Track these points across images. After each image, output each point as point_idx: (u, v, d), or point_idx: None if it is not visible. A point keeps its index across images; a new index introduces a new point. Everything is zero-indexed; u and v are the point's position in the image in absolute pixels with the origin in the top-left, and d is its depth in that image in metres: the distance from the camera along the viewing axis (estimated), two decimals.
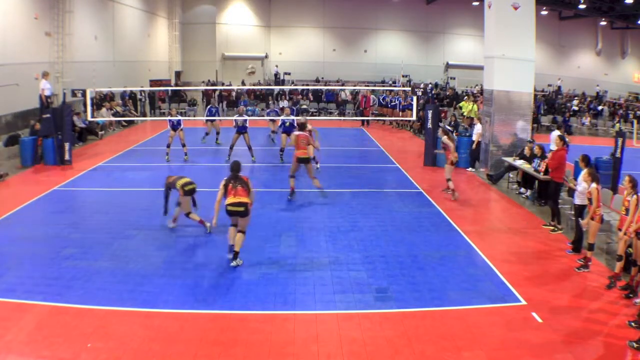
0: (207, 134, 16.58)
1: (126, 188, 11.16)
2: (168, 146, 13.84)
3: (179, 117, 14.02)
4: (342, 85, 29.62)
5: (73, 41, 18.79)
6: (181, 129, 13.80)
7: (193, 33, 32.50)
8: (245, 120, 13.84)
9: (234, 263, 7.01)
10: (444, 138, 11.08)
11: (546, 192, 10.14)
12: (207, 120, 16.20)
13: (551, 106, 25.42)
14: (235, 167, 7.03)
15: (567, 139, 9.40)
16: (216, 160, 14.02)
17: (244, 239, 7.03)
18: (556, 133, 12.31)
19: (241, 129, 13.72)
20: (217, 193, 7.01)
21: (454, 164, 11.04)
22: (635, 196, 6.58)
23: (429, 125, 14.12)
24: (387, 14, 34.35)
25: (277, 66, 32.58)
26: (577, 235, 7.97)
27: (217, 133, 16.47)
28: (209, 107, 16.67)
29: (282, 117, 14.64)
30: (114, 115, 18.96)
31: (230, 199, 6.75)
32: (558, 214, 9.04)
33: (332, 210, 9.81)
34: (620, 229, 6.80)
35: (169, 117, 14.18)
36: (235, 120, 13.90)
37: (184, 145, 13.86)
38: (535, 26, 13.10)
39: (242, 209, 6.75)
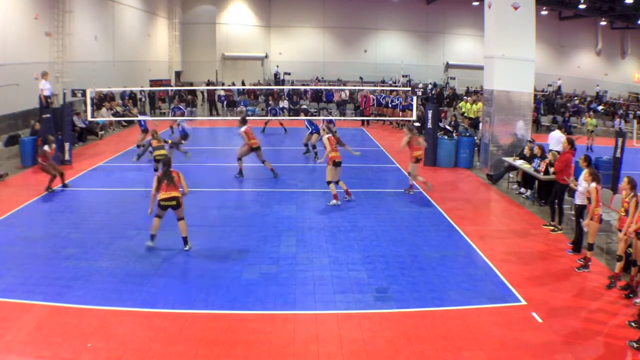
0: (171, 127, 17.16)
1: (126, 188, 11.16)
2: (142, 146, 13.76)
3: (139, 117, 14.05)
4: (344, 85, 29.62)
5: (73, 41, 18.79)
6: (146, 130, 13.88)
7: (193, 33, 32.49)
8: None
9: (186, 247, 7.60)
10: (406, 138, 10.93)
11: (547, 192, 10.14)
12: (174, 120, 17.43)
13: (551, 106, 25.40)
14: (167, 161, 7.69)
15: (574, 141, 9.36)
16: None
17: (185, 224, 7.62)
18: (556, 133, 12.32)
19: None
20: (153, 185, 7.51)
21: (417, 162, 11.00)
22: (634, 198, 6.58)
23: (429, 125, 14.12)
24: (387, 14, 34.35)
25: (277, 66, 32.58)
26: (578, 236, 7.97)
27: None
28: (172, 107, 17.80)
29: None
30: (114, 115, 18.96)
31: (162, 195, 7.39)
32: (561, 215, 9.04)
33: (332, 210, 9.80)
34: (620, 230, 6.80)
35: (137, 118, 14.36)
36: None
37: (140, 146, 13.86)
38: (535, 26, 13.09)
39: (174, 202, 7.44)
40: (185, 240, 7.65)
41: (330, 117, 14.24)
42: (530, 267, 7.42)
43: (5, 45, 15.31)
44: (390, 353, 5.20)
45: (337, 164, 10.04)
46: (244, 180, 12.18)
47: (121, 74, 23.36)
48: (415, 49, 35.22)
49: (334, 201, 10.03)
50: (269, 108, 20.73)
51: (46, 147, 10.75)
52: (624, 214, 6.75)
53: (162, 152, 11.00)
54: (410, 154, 10.94)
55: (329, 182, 10.12)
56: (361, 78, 32.35)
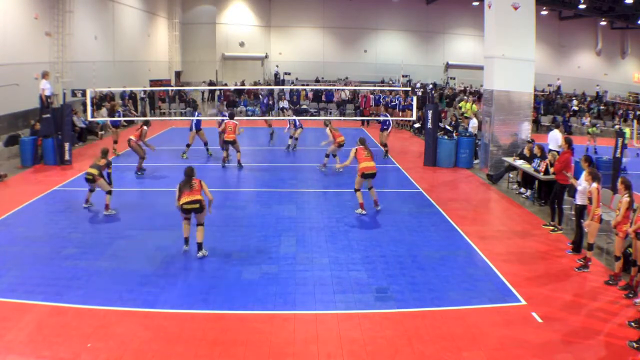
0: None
1: (126, 188, 11.15)
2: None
3: (196, 117, 14.63)
4: (344, 85, 29.62)
5: (73, 41, 18.80)
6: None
7: (193, 33, 32.50)
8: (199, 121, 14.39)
9: (200, 254, 7.40)
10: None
11: (547, 192, 10.14)
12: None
13: (548, 105, 25.37)
14: (189, 172, 7.45)
15: (572, 141, 9.37)
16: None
17: (204, 230, 7.49)
18: (555, 132, 12.32)
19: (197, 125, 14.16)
20: (175, 195, 7.41)
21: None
22: (626, 197, 6.61)
23: (429, 125, 14.12)
24: (387, 14, 34.37)
25: (277, 66, 32.59)
26: (578, 236, 7.97)
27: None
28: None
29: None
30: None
31: (184, 199, 7.26)
32: (561, 215, 9.04)
33: (332, 210, 9.80)
34: (615, 228, 6.82)
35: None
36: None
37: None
38: (535, 26, 13.09)
39: (197, 205, 7.30)
40: (199, 246, 7.47)
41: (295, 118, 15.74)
42: (530, 267, 7.42)
43: (5, 45, 15.31)
44: (390, 353, 5.19)
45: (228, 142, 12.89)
46: (243, 180, 12.17)
47: (121, 74, 23.37)
48: (415, 49, 35.23)
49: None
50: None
51: (145, 127, 12.48)
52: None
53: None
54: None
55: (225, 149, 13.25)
56: (321, 78, 32.48)
